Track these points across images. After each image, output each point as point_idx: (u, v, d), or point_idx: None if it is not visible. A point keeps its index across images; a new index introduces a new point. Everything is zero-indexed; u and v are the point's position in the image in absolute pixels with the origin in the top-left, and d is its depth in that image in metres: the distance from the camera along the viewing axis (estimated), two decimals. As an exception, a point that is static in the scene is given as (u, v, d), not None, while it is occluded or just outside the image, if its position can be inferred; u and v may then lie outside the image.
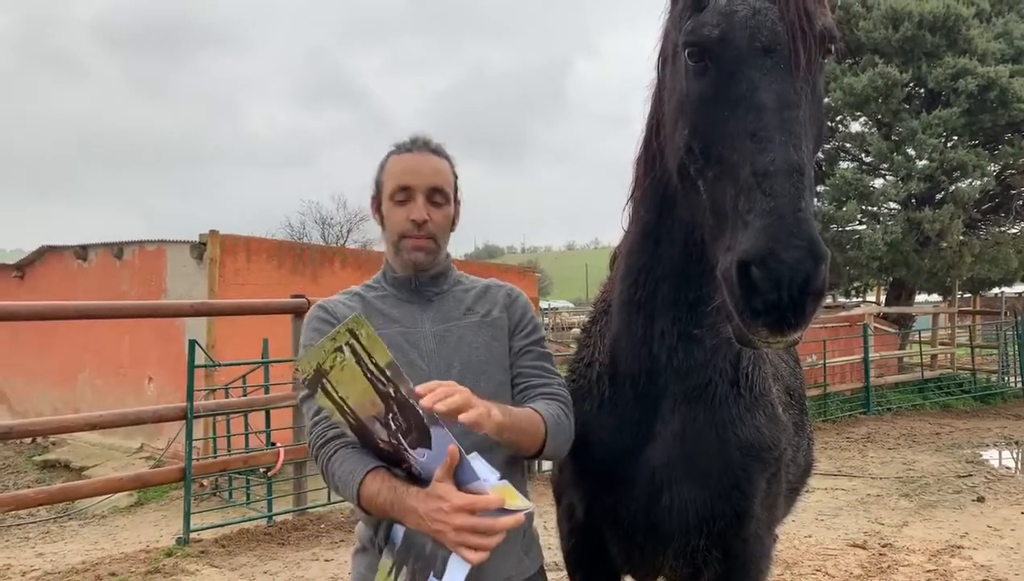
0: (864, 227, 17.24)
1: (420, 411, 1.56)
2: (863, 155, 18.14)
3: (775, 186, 1.36)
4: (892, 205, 17.47)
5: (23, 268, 15.41)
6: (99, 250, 13.53)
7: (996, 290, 22.08)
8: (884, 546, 5.96)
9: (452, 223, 2.01)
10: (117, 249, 13.01)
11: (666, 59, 1.81)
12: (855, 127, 18.41)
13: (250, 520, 6.88)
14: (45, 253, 14.93)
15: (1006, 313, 17.99)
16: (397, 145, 2.00)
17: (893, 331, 17.08)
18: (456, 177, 2.03)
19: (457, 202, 2.03)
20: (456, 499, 1.54)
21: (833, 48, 1.61)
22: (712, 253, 1.55)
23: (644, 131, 1.96)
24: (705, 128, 1.56)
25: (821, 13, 1.57)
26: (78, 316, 6.77)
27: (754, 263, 1.32)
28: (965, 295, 21.96)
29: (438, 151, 1.99)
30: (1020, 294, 26.28)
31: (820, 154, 1.76)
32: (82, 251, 13.76)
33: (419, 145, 1.98)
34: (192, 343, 6.62)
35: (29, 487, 9.95)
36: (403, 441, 1.63)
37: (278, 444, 7.14)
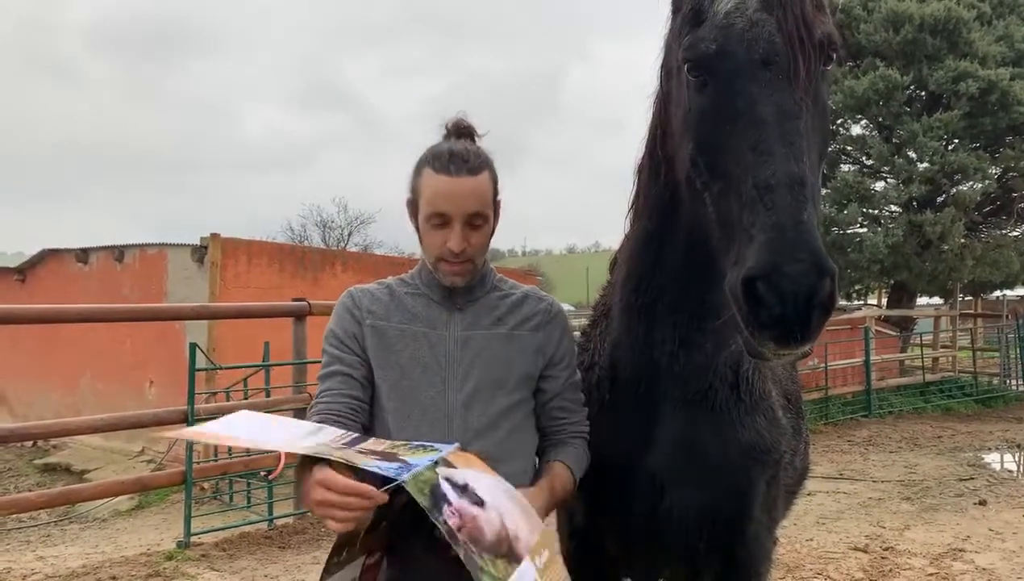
0: (865, 230, 17.26)
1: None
2: (864, 158, 18.15)
3: (776, 199, 1.36)
4: (893, 208, 17.50)
5: (24, 271, 15.44)
6: (100, 253, 13.55)
7: (997, 293, 22.11)
8: (886, 549, 5.95)
9: (492, 231, 1.96)
10: (118, 252, 13.02)
11: (670, 71, 1.80)
12: (856, 130, 18.46)
13: (251, 523, 6.88)
14: (46, 256, 14.94)
15: (1007, 316, 17.99)
16: (435, 155, 1.86)
17: (894, 334, 17.09)
18: (496, 182, 1.94)
19: (497, 204, 1.95)
20: (317, 473, 1.56)
21: (835, 55, 1.60)
22: (721, 265, 1.55)
23: (647, 139, 1.95)
24: (708, 142, 1.56)
25: (821, 21, 1.55)
26: (79, 319, 6.80)
27: (758, 278, 1.33)
28: (966, 298, 21.94)
29: (477, 169, 1.85)
30: (1022, 297, 26.25)
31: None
32: (83, 254, 13.78)
33: (457, 164, 1.83)
34: (193, 346, 6.62)
35: (30, 490, 9.95)
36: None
37: (279, 447, 7.13)
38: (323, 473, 1.56)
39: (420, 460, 1.65)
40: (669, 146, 1.80)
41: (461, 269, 1.88)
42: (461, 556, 1.56)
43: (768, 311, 1.33)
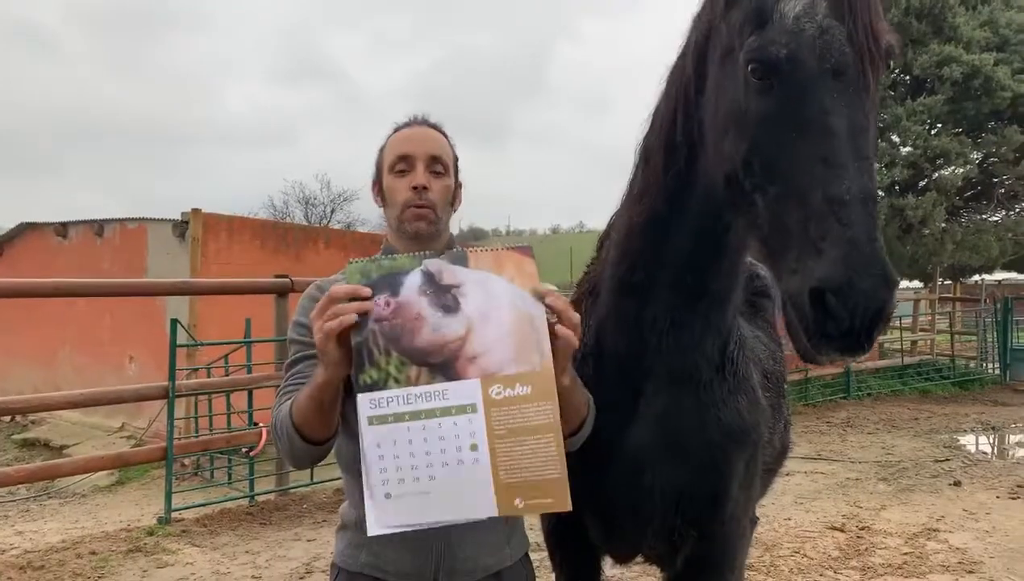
0: (848, 213, 17.31)
1: None
2: (848, 141, 18.17)
3: (851, 215, 1.37)
4: (876, 191, 17.55)
5: (2, 245, 15.25)
6: (79, 227, 13.39)
7: (977, 277, 22.29)
8: (862, 529, 6.04)
9: (453, 199, 2.01)
10: (98, 226, 12.88)
11: (702, 55, 1.75)
12: (840, 113, 18.46)
13: (232, 500, 6.88)
14: (25, 230, 14.76)
15: (986, 300, 18.17)
16: (396, 125, 2.03)
17: (874, 317, 17.18)
18: (456, 157, 2.04)
19: (458, 183, 2.04)
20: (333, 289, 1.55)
21: (892, 63, 1.61)
22: (772, 269, 1.58)
23: (662, 123, 1.90)
24: (769, 147, 1.53)
25: (886, 30, 1.55)
26: (58, 294, 6.74)
27: (831, 291, 1.35)
28: (946, 282, 22.14)
29: (436, 126, 2.03)
30: (1000, 281, 26.53)
31: None
32: (62, 228, 13.62)
33: (417, 121, 2.02)
34: (174, 322, 6.57)
35: (9, 465, 9.89)
36: None
37: (260, 424, 7.12)
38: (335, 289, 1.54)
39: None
40: (694, 134, 1.77)
41: (425, 212, 1.91)
42: (352, 344, 1.46)
43: (837, 323, 1.35)
